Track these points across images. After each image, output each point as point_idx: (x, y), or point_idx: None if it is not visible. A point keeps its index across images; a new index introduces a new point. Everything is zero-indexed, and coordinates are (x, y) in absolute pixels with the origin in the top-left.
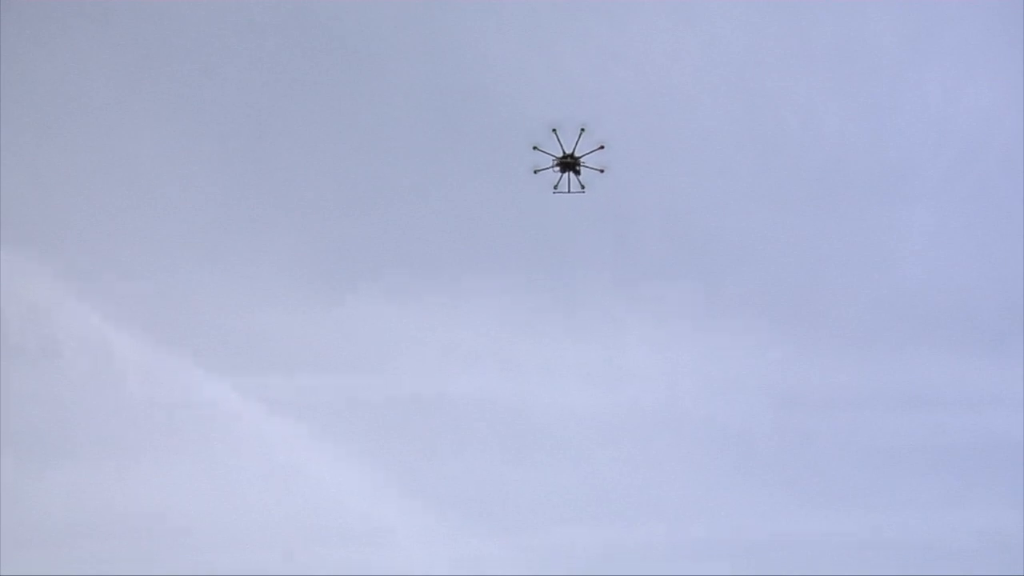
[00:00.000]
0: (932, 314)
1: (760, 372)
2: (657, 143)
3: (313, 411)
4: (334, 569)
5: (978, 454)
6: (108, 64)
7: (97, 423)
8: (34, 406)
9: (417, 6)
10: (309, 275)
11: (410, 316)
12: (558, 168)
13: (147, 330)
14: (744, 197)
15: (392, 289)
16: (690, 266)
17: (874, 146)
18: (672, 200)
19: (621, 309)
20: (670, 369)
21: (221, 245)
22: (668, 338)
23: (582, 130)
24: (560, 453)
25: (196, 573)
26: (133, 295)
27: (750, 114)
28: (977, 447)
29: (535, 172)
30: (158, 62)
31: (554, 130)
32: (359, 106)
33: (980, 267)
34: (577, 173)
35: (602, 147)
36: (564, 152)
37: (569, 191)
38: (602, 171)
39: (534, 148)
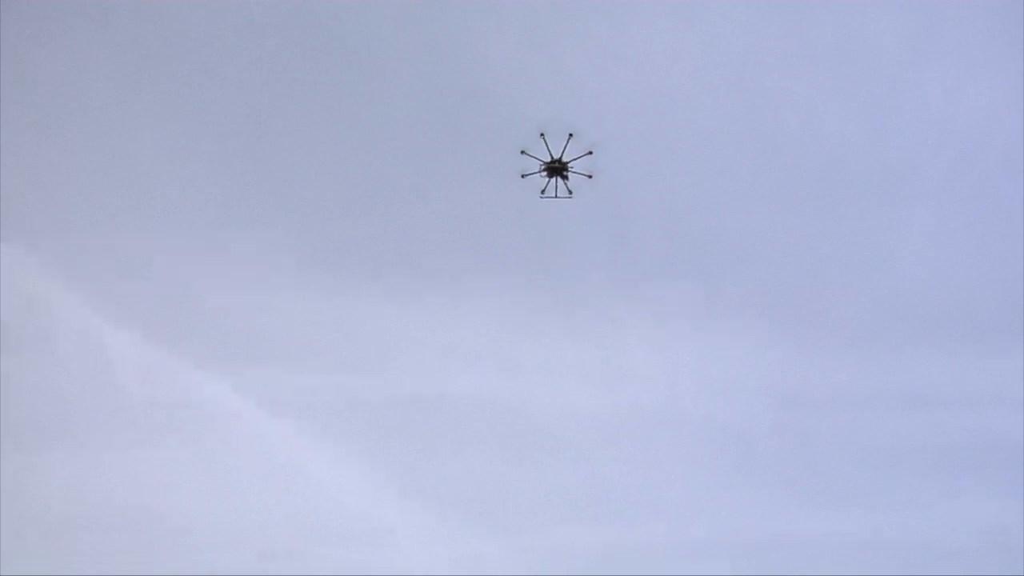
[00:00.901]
0: (932, 314)
1: (760, 372)
2: (657, 143)
3: (312, 410)
4: (334, 568)
5: (977, 454)
6: (108, 63)
7: (95, 419)
8: (32, 402)
9: (417, 6)
10: (309, 274)
11: (410, 316)
12: (546, 173)
13: (145, 328)
14: (744, 197)
15: (392, 289)
16: (690, 266)
17: (874, 146)
18: (672, 200)
19: (621, 309)
20: (670, 369)
21: (221, 243)
22: (668, 338)
23: (570, 135)
24: (560, 453)
25: (193, 570)
26: (132, 293)
27: (750, 114)
28: (976, 447)
29: (523, 176)
30: (158, 61)
31: (542, 135)
32: (359, 106)
33: (980, 267)
34: (565, 178)
35: (590, 152)
36: (552, 157)
37: (556, 196)
38: (590, 176)
39: (522, 152)
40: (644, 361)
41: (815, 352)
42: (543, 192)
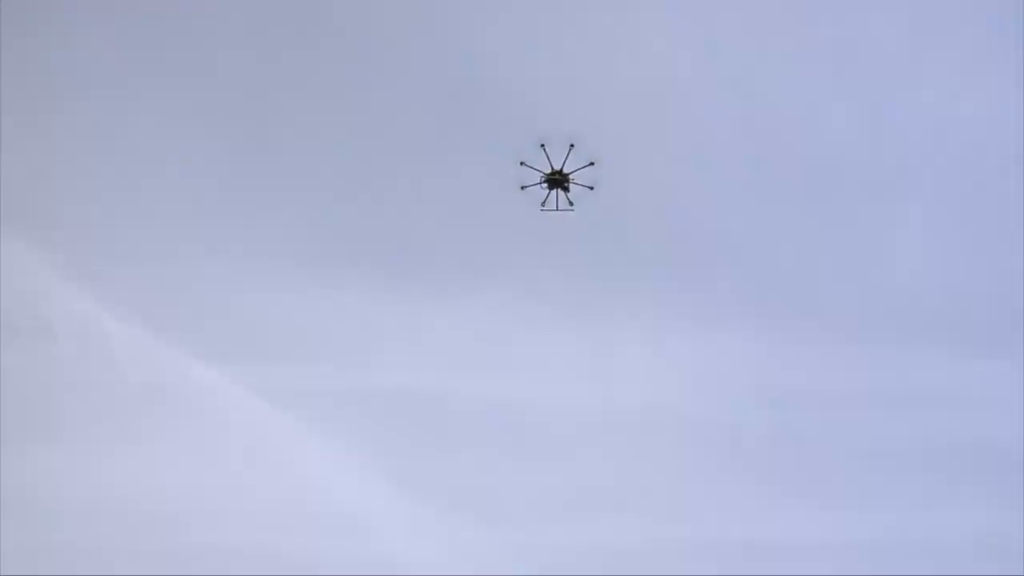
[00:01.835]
0: (927, 312)
1: (753, 371)
2: (653, 140)
3: (305, 401)
4: (324, 560)
5: (973, 453)
6: (104, 49)
7: (91, 408)
8: (29, 390)
9: None
10: (307, 267)
11: (405, 311)
12: (546, 185)
13: (142, 316)
14: (739, 195)
15: (386, 284)
16: (683, 263)
17: (871, 145)
18: (666, 197)
19: (614, 306)
20: (662, 367)
21: (217, 232)
22: (660, 335)
23: (571, 146)
24: (551, 450)
25: (188, 557)
26: (128, 280)
27: (747, 112)
28: (972, 446)
29: (522, 188)
30: (155, 47)
31: (542, 145)
32: (358, 94)
33: (977, 267)
34: (566, 190)
35: (592, 163)
36: (552, 168)
37: (557, 209)
38: (592, 188)
39: (521, 164)
40: (636, 359)
41: (809, 351)
42: (543, 204)
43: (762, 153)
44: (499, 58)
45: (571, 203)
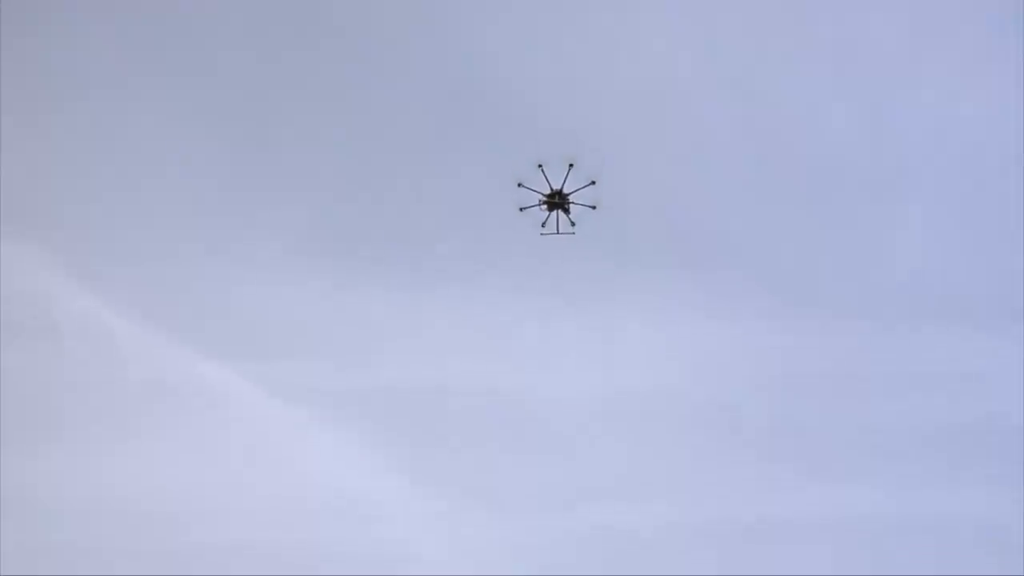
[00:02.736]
0: (927, 293)
1: (756, 355)
2: (655, 136)
3: (309, 397)
4: (329, 555)
5: (976, 434)
6: (104, 48)
7: (95, 406)
8: (33, 389)
9: None
10: (307, 261)
11: (408, 305)
12: (545, 207)
13: (145, 314)
14: (740, 194)
15: (387, 276)
16: (686, 255)
17: (872, 143)
18: (667, 195)
19: (617, 296)
20: (667, 354)
21: (219, 230)
22: (665, 324)
23: (570, 166)
24: (558, 439)
25: (193, 556)
26: (130, 279)
27: (748, 110)
28: (975, 427)
29: (521, 210)
30: (155, 46)
31: (540, 166)
32: (357, 93)
33: (977, 266)
34: (566, 211)
35: (593, 183)
36: (552, 189)
37: (558, 231)
38: (594, 208)
39: (519, 185)
40: (641, 347)
41: (810, 331)
42: (543, 226)
43: (762, 152)
44: (499, 57)
45: (573, 224)
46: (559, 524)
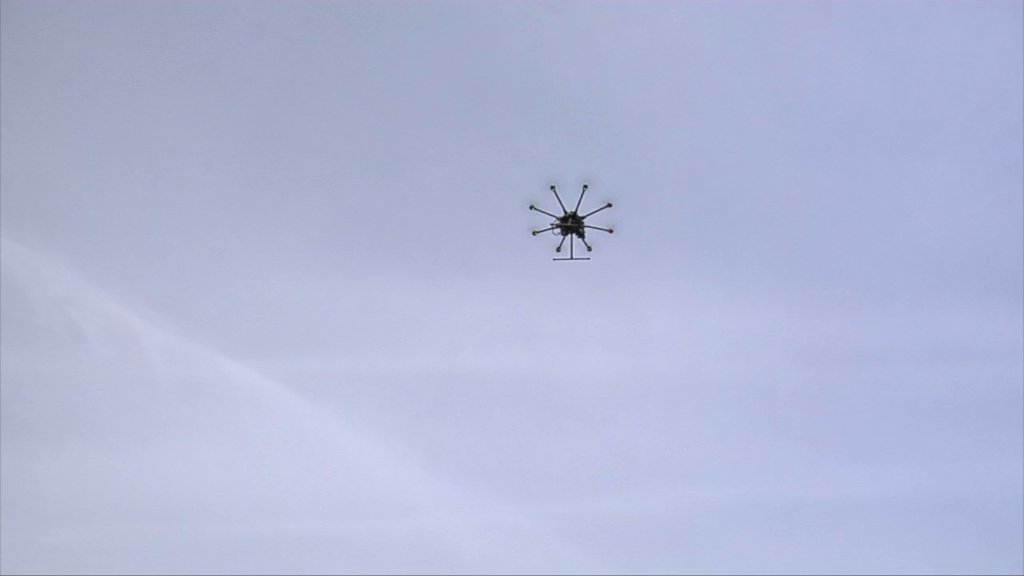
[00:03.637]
0: (955, 266)
1: (782, 331)
2: (673, 104)
3: (339, 390)
4: (368, 544)
5: (1004, 406)
6: (122, 43)
7: (126, 408)
8: (64, 394)
9: None
10: (332, 254)
11: (432, 291)
12: (559, 230)
13: (171, 315)
14: (761, 155)
15: (413, 265)
16: (708, 227)
17: (893, 98)
18: (689, 161)
19: (641, 274)
20: (692, 332)
21: (242, 226)
22: (688, 301)
23: (585, 187)
24: (585, 422)
25: (231, 551)
26: (154, 280)
27: (766, 70)
28: (1002, 399)
29: (533, 234)
30: (172, 36)
31: (552, 187)
32: (382, 79)
33: (1003, 219)
34: (581, 235)
35: (609, 205)
36: (565, 212)
37: (572, 257)
38: (611, 231)
39: (531, 208)
40: (666, 326)
41: (837, 308)
42: (558, 250)
43: (786, 113)
44: (517, 29)
45: (589, 248)
46: (596, 506)
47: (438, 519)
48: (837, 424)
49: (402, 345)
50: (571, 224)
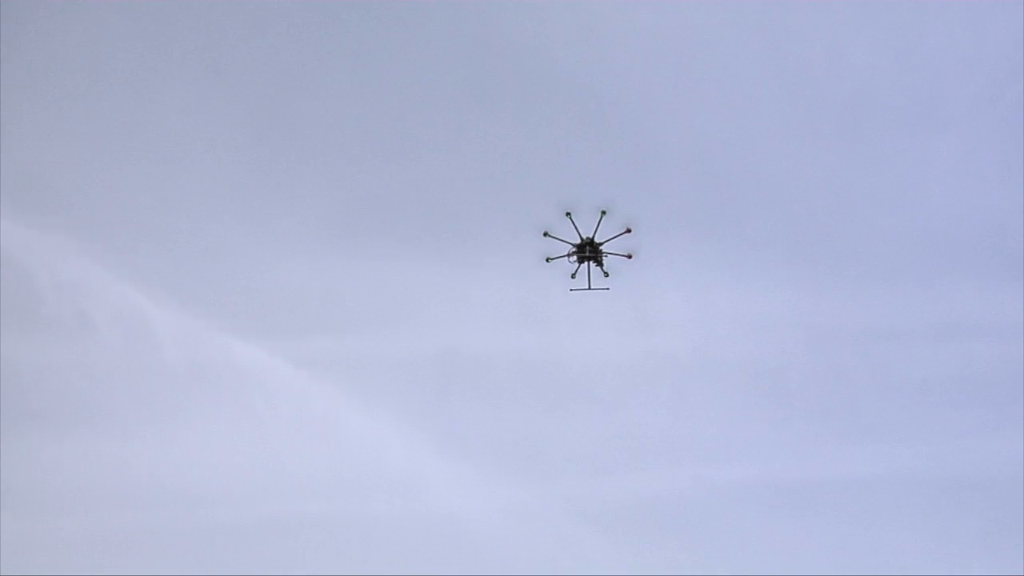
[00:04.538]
0: (962, 245)
1: (791, 310)
2: (680, 82)
3: (349, 370)
4: (378, 525)
5: (1013, 384)
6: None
7: (138, 393)
8: (75, 380)
9: None
10: (339, 234)
11: (439, 272)
12: (575, 258)
13: (180, 297)
14: (769, 134)
15: (421, 246)
16: (715, 206)
17: (900, 75)
18: (696, 140)
19: (648, 254)
20: (701, 313)
21: (250, 207)
22: (696, 281)
23: (603, 213)
24: (593, 402)
25: (243, 532)
26: (164, 264)
27: (772, 47)
28: (1012, 377)
29: (547, 261)
30: (180, 24)
31: (568, 214)
32: (391, 60)
33: (1010, 197)
34: (599, 263)
35: (629, 230)
36: (582, 238)
37: (590, 287)
38: (630, 256)
39: (544, 235)
40: (674, 306)
41: (845, 288)
42: (573, 277)
43: (792, 91)
44: (521, 11)
45: (606, 275)
46: (605, 486)
47: (448, 500)
48: (846, 403)
49: (411, 327)
50: (588, 252)
